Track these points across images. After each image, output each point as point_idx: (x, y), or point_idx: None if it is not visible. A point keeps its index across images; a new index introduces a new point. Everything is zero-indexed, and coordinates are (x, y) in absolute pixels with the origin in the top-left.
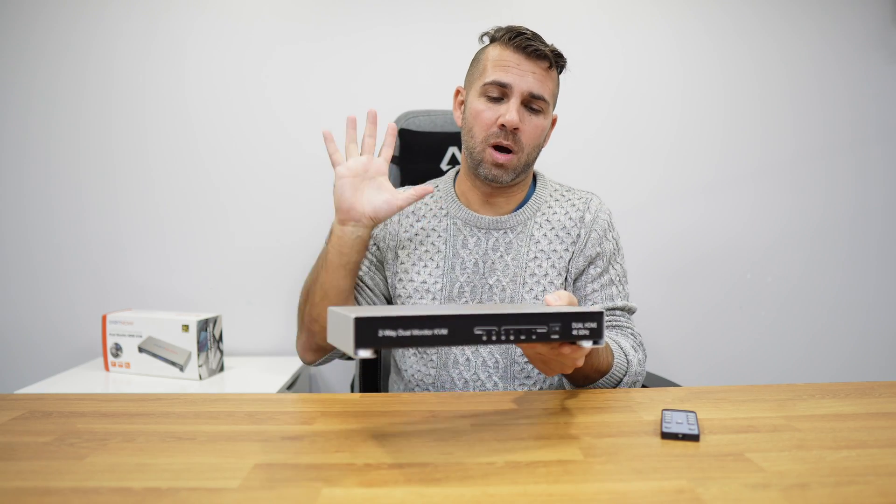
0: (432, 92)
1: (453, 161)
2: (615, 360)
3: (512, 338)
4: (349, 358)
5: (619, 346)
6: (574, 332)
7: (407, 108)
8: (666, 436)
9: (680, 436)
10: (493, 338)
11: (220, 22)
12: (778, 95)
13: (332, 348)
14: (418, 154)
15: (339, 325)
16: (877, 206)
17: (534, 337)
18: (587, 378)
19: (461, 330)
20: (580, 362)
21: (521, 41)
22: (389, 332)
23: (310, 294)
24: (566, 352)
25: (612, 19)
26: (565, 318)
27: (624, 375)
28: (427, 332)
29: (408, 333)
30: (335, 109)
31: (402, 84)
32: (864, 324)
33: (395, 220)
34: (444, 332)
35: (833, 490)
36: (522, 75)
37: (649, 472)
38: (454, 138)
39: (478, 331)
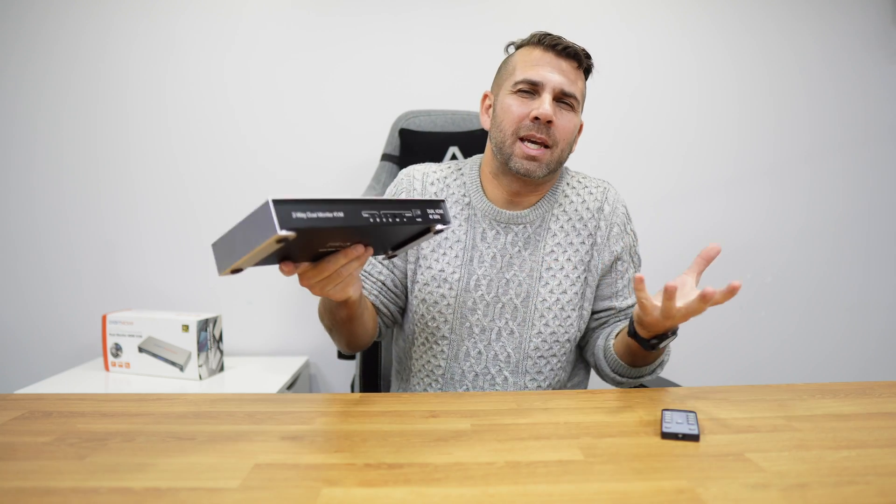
0: (432, 92)
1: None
2: None
3: (389, 220)
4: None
5: None
6: (431, 217)
7: (407, 108)
8: (666, 436)
9: (680, 436)
10: (377, 220)
11: (218, 21)
12: (789, 93)
13: (358, 345)
14: (418, 154)
15: (249, 225)
16: (888, 204)
17: (405, 219)
18: (651, 357)
19: (352, 212)
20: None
21: (551, 40)
22: (300, 214)
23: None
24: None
25: (627, 21)
26: (422, 206)
27: (665, 355)
28: (329, 214)
29: (315, 215)
30: (335, 110)
31: (403, 83)
32: (885, 323)
33: None
34: (341, 214)
35: (833, 490)
36: (553, 72)
37: (649, 472)
38: (454, 138)
39: (364, 213)
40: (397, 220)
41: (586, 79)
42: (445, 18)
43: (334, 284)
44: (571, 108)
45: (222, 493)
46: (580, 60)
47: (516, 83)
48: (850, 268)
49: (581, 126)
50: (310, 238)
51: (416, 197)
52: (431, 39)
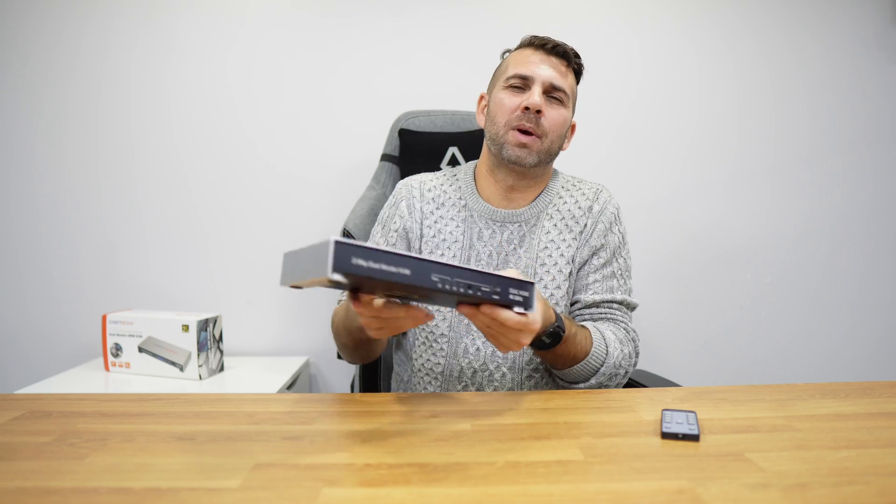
0: (432, 92)
1: (453, 161)
2: (593, 347)
3: (461, 290)
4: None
5: (603, 336)
6: (511, 297)
7: (407, 108)
8: (666, 436)
9: (680, 436)
10: (447, 287)
11: (219, 20)
12: (789, 94)
13: (372, 353)
14: (418, 154)
15: (311, 254)
16: (888, 204)
17: (479, 293)
18: (557, 361)
19: (420, 273)
20: (525, 340)
21: (541, 40)
22: (360, 262)
23: (339, 337)
24: (512, 324)
25: (627, 21)
26: (504, 283)
27: (601, 365)
28: (392, 269)
29: (377, 266)
30: (336, 110)
31: (402, 83)
32: (886, 323)
33: (418, 208)
34: (407, 272)
35: (833, 490)
36: (542, 67)
37: (649, 472)
38: (454, 138)
39: (434, 277)
40: (469, 291)
41: (578, 81)
42: (445, 18)
43: (380, 327)
44: (561, 102)
45: (222, 493)
46: (569, 59)
47: (507, 78)
48: (850, 268)
49: (573, 126)
50: (374, 283)
51: (417, 202)
52: (431, 39)
